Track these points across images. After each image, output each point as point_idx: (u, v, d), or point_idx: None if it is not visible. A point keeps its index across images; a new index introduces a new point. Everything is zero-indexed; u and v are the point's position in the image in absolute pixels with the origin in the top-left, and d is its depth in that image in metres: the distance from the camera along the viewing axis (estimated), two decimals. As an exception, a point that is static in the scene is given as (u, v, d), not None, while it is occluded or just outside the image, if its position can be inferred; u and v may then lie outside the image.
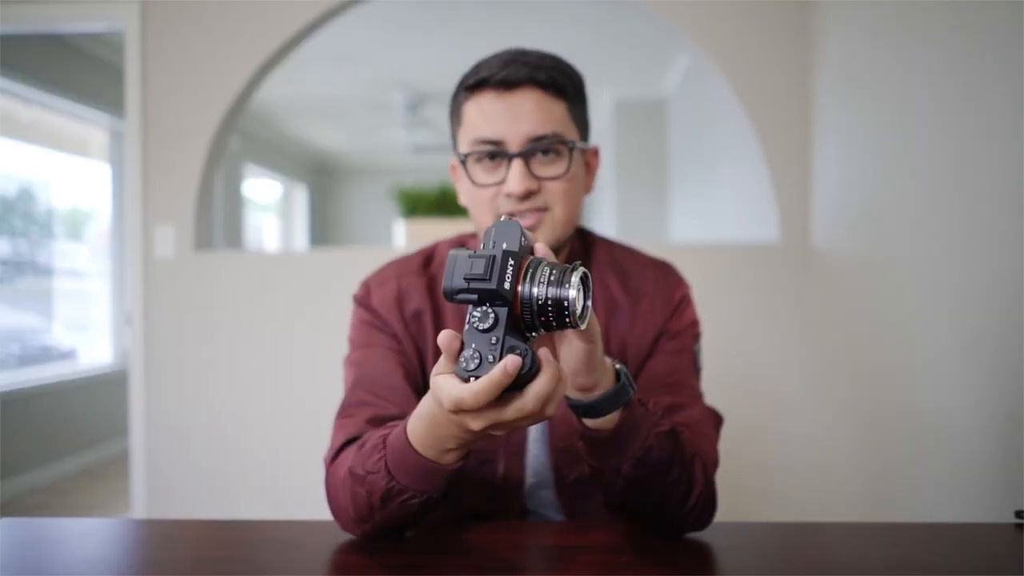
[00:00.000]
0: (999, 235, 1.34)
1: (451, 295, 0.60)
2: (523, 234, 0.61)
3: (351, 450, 0.81)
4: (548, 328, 0.60)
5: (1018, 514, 0.84)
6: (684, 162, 4.59)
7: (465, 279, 0.59)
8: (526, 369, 0.59)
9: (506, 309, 0.59)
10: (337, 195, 8.68)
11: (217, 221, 5.25)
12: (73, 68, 4.06)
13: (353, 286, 1.04)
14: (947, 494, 1.54)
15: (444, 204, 4.69)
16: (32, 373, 4.03)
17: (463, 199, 1.00)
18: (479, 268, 0.58)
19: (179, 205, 2.50)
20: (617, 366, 0.71)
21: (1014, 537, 0.81)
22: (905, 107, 1.73)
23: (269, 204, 7.67)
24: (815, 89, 2.32)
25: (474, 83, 0.92)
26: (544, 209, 0.93)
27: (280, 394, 2.48)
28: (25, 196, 4.24)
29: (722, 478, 0.86)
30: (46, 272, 4.33)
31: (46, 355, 4.27)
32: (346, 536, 0.81)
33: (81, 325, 4.52)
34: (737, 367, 2.35)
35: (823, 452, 2.26)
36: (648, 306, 0.98)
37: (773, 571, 0.75)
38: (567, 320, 0.59)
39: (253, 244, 7.00)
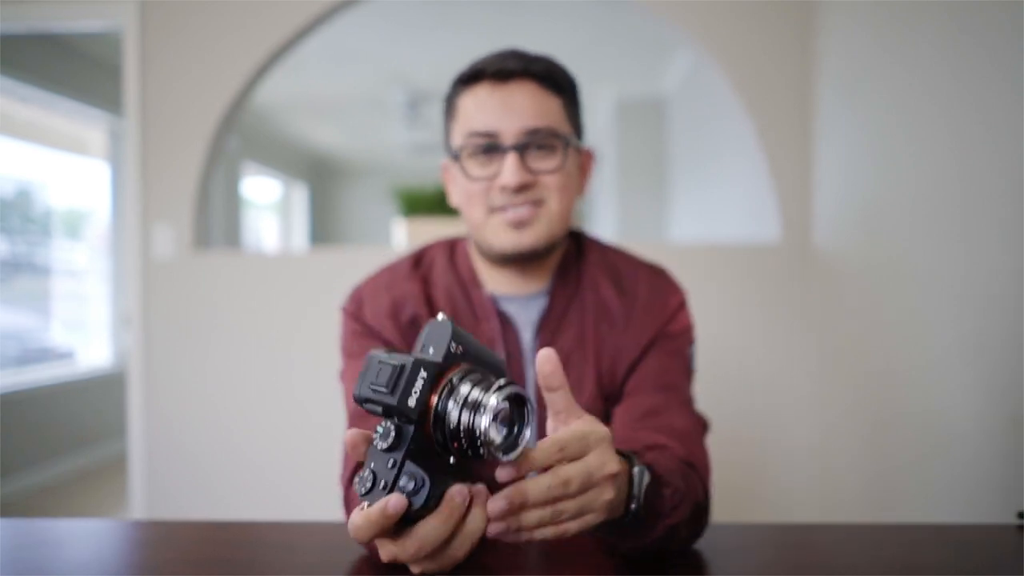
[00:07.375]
0: (1001, 234, 1.33)
1: (361, 403, 0.54)
2: (455, 338, 0.53)
3: None
4: (464, 456, 0.52)
5: (1020, 515, 0.84)
6: (685, 161, 4.58)
7: (371, 387, 0.52)
8: (416, 507, 0.51)
9: (412, 427, 0.52)
10: (336, 194, 8.68)
11: (216, 220, 5.25)
12: (71, 67, 4.05)
13: (352, 285, 1.03)
14: (949, 495, 1.53)
15: (443, 204, 4.69)
16: (30, 374, 4.02)
17: (455, 199, 0.99)
18: (383, 378, 0.52)
19: (178, 204, 2.49)
20: (634, 493, 0.64)
21: (1016, 538, 0.81)
22: (906, 106, 1.72)
23: (268, 203, 7.66)
24: (816, 88, 2.32)
25: (469, 76, 0.92)
26: (539, 203, 0.92)
27: (279, 394, 2.48)
28: (23, 196, 4.23)
29: (723, 480, 0.85)
30: (44, 272, 4.32)
31: (44, 356, 4.27)
32: (343, 537, 0.80)
33: (79, 325, 4.51)
34: (738, 367, 2.35)
35: (824, 452, 2.26)
36: (643, 311, 0.96)
37: (774, 572, 0.74)
38: (480, 452, 0.51)
39: (252, 243, 6.99)
